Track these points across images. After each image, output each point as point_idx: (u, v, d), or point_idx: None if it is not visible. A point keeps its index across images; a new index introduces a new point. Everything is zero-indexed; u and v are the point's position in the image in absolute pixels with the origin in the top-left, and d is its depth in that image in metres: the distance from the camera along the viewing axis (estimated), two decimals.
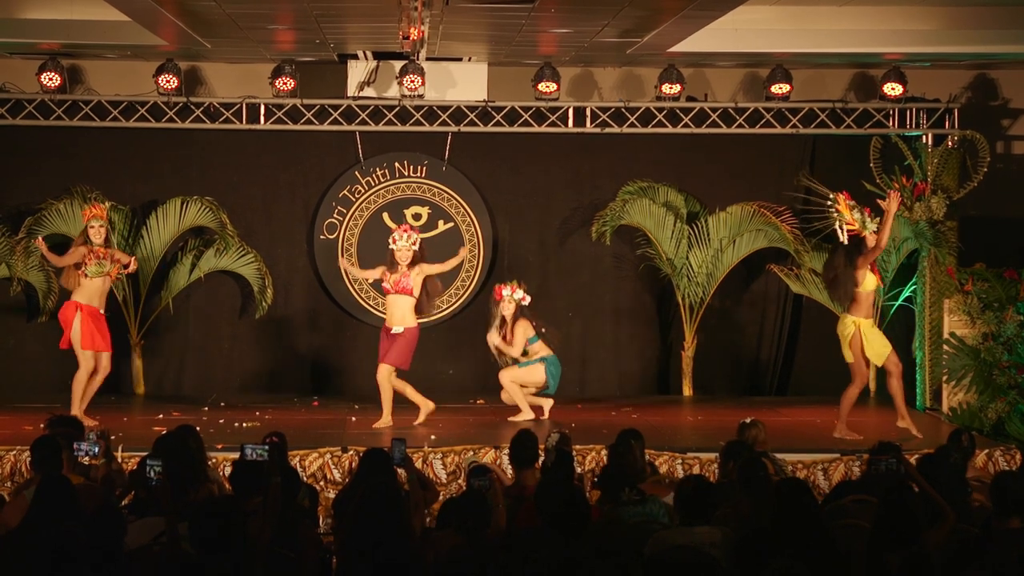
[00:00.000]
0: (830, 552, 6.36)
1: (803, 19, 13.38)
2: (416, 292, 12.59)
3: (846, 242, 12.07)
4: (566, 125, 14.68)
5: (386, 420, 12.60)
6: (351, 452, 11.19)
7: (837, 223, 12.16)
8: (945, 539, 6.87)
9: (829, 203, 12.47)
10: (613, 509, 7.59)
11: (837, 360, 13.72)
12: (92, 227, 12.69)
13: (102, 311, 12.71)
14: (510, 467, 9.54)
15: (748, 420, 9.64)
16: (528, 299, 13.19)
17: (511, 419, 12.93)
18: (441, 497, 9.27)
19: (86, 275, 12.59)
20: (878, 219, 12.03)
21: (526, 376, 13.17)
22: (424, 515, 7.56)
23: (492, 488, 7.77)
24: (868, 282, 12.01)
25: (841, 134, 14.71)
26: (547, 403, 13.15)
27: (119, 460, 9.73)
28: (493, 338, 13.22)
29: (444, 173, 15.08)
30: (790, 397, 15.00)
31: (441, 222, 15.14)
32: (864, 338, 12.07)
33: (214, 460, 10.53)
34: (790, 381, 15.31)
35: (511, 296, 13.12)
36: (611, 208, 14.76)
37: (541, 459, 8.99)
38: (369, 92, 14.47)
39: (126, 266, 12.87)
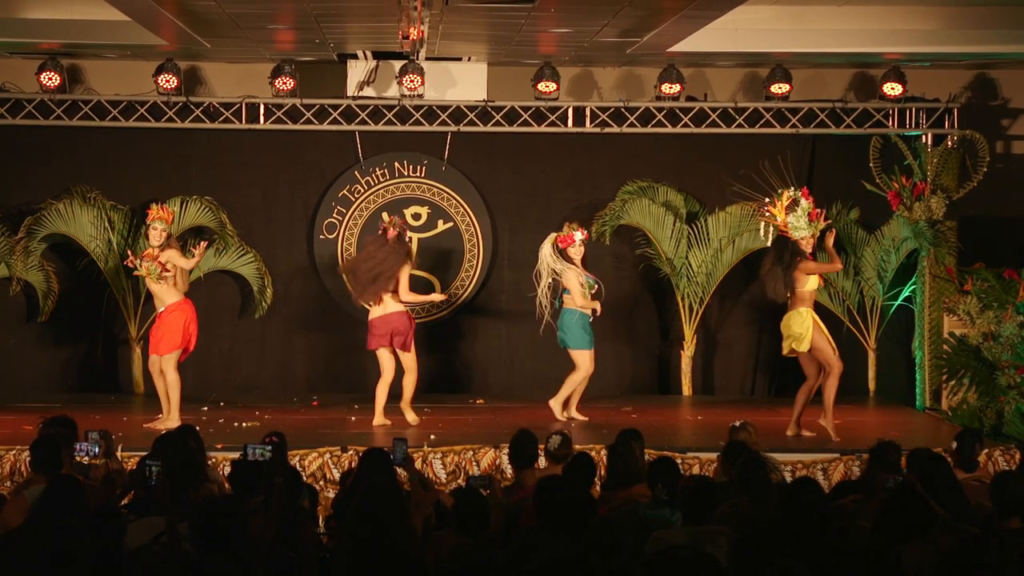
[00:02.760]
0: (830, 552, 6.36)
1: (803, 19, 13.38)
2: None
3: (769, 243, 12.37)
4: (566, 125, 14.67)
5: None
6: (351, 452, 11.19)
7: (763, 223, 12.37)
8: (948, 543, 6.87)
9: (767, 201, 12.56)
10: (621, 506, 7.60)
11: None
12: (155, 228, 12.58)
13: (160, 310, 12.63)
14: (510, 467, 9.56)
15: (738, 423, 9.64)
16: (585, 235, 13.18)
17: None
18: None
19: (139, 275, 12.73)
20: (823, 225, 12.28)
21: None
22: (425, 515, 7.55)
23: (492, 488, 7.78)
24: (811, 282, 12.17)
25: (841, 134, 14.71)
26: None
27: (119, 459, 9.72)
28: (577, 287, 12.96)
29: (444, 173, 15.08)
30: (789, 397, 14.96)
31: (441, 222, 15.14)
32: (820, 326, 12.21)
33: (214, 460, 10.53)
34: (790, 381, 15.27)
35: (582, 240, 13.02)
36: (611, 208, 14.76)
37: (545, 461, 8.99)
38: (369, 92, 14.47)
39: (164, 265, 12.61)
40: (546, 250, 13.12)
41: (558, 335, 13.12)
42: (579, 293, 12.97)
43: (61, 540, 5.96)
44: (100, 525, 6.32)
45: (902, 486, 7.41)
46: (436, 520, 7.91)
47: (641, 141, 14.93)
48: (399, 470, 8.29)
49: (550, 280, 13.07)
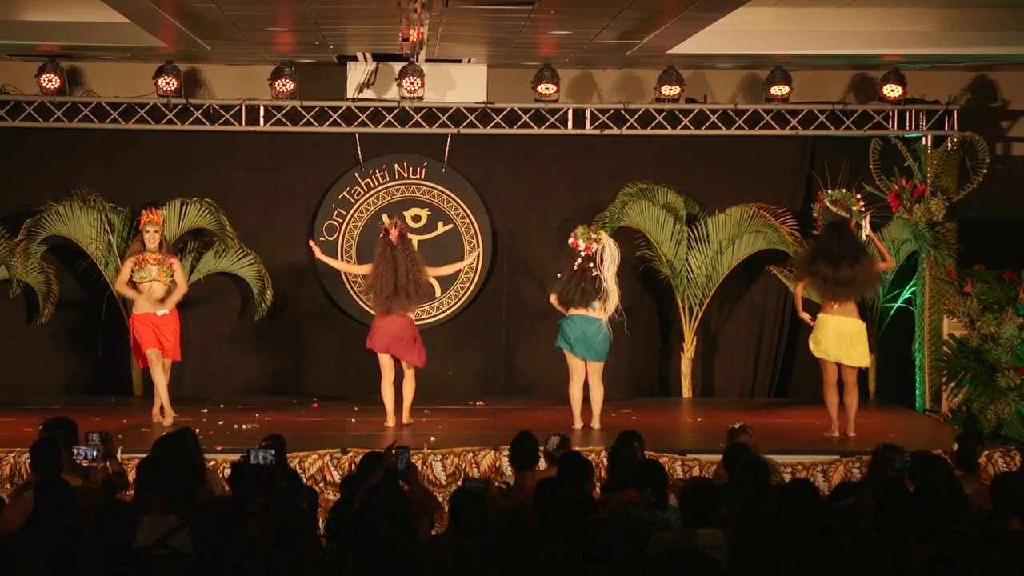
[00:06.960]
0: (832, 554, 6.36)
1: (803, 21, 13.38)
2: None
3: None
4: (566, 127, 14.68)
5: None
6: (351, 454, 11.19)
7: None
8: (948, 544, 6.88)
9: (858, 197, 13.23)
10: (621, 508, 7.60)
11: None
12: (147, 232, 12.80)
13: (159, 312, 12.84)
14: (510, 469, 9.54)
15: (737, 425, 9.63)
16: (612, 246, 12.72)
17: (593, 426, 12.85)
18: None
19: (134, 282, 12.83)
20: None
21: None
22: (429, 522, 7.54)
23: (488, 490, 7.78)
24: None
25: (841, 136, 14.72)
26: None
27: (120, 461, 9.71)
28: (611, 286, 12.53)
29: (444, 175, 15.08)
30: (789, 399, 15.00)
31: (441, 224, 15.13)
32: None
33: (214, 462, 10.53)
34: (789, 383, 15.30)
35: (584, 251, 12.53)
36: (610, 210, 14.76)
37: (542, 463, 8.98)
38: (368, 94, 14.47)
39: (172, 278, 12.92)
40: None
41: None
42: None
43: (60, 541, 5.96)
44: (108, 523, 6.33)
45: (902, 486, 7.42)
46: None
47: (641, 143, 14.93)
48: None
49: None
